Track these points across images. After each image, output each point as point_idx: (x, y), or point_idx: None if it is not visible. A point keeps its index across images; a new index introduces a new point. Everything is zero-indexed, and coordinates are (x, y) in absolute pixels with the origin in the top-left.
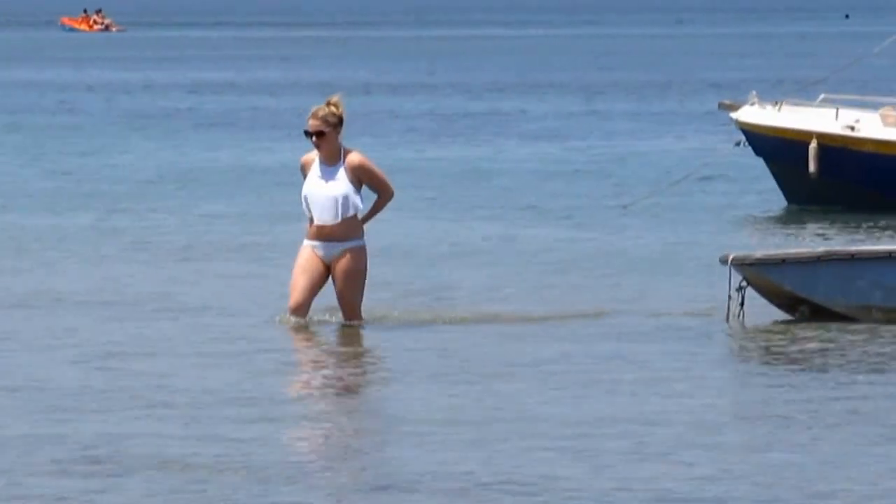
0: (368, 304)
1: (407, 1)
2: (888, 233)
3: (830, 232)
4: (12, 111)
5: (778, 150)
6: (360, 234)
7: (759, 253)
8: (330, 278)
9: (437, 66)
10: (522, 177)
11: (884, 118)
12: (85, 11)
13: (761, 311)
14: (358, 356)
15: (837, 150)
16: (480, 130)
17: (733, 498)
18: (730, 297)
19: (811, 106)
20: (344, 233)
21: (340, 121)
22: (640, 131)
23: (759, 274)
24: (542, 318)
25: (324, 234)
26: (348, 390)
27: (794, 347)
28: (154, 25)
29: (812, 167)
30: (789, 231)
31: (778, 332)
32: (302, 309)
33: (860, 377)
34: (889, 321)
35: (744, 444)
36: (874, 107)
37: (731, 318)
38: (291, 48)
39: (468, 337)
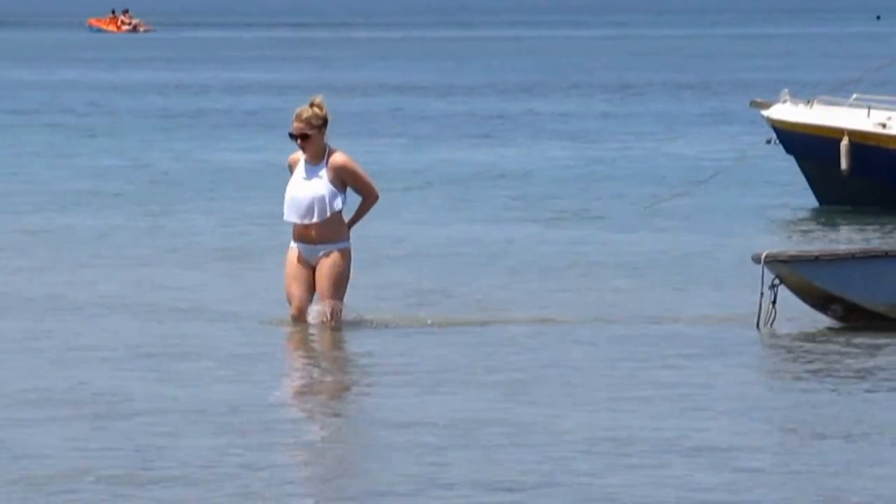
0: (390, 307)
1: (436, 2)
2: None
3: (861, 231)
4: (45, 112)
5: (809, 147)
6: (345, 236)
7: (792, 250)
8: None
9: (466, 67)
10: (552, 178)
11: None
12: (113, 12)
13: (793, 313)
14: (365, 360)
15: (869, 148)
16: (512, 131)
17: None
18: (762, 294)
19: (843, 104)
20: (327, 234)
21: (325, 122)
22: (671, 131)
23: (793, 271)
24: (568, 322)
25: (307, 236)
26: (348, 394)
27: (825, 352)
28: (181, 26)
29: (844, 164)
30: (820, 230)
31: (808, 337)
32: (303, 315)
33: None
34: None
35: (773, 454)
36: None
37: (762, 316)
38: (324, 49)
39: (487, 341)
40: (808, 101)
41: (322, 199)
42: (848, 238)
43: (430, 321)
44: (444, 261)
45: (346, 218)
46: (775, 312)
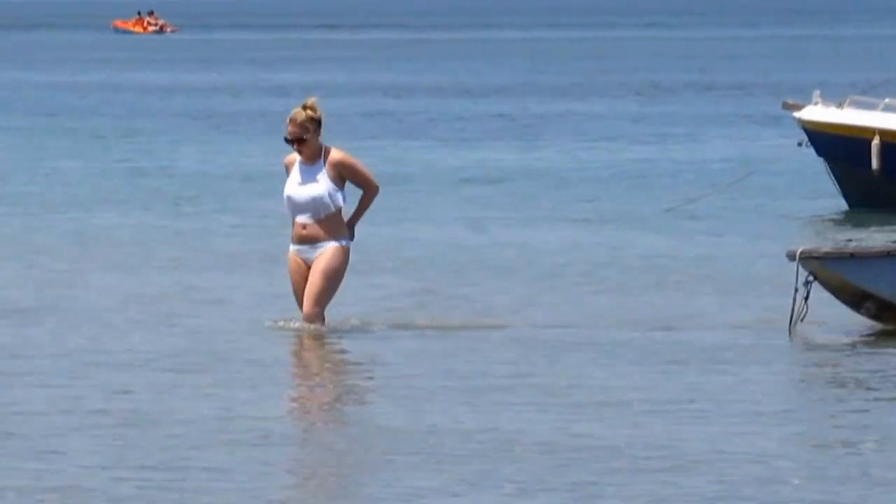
0: (409, 308)
1: (463, 4)
2: None
3: (893, 231)
4: (79, 114)
5: (839, 148)
6: (344, 234)
7: (827, 247)
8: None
9: (498, 69)
10: (584, 179)
11: None
12: (138, 13)
13: (825, 313)
14: (375, 365)
15: None
16: (545, 132)
17: None
18: (796, 290)
19: (875, 106)
20: (328, 232)
21: (319, 123)
22: (703, 133)
23: (827, 268)
24: (592, 327)
25: (306, 236)
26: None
27: (857, 354)
28: (205, 27)
29: (875, 164)
30: (850, 231)
31: (840, 339)
32: (315, 320)
33: None
34: None
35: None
36: None
37: (795, 314)
38: (353, 50)
39: (501, 346)
40: (840, 103)
41: (321, 198)
42: (880, 238)
43: (457, 323)
44: (473, 262)
45: (346, 217)
46: (807, 309)
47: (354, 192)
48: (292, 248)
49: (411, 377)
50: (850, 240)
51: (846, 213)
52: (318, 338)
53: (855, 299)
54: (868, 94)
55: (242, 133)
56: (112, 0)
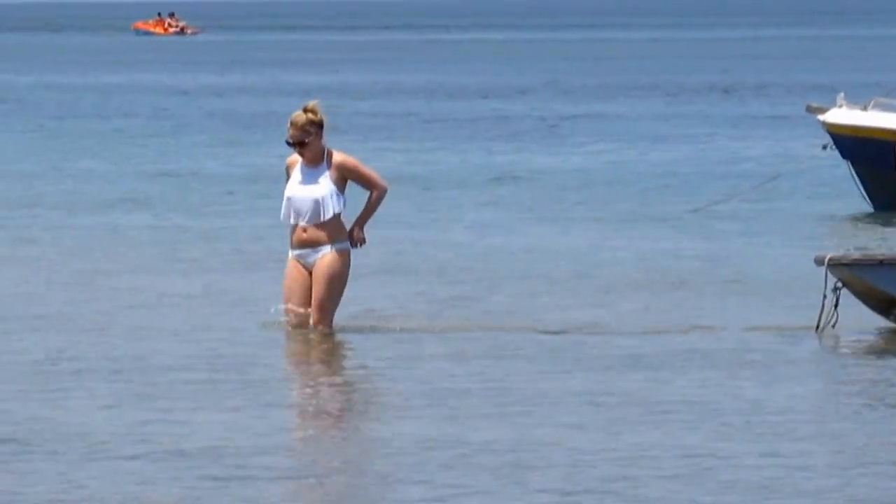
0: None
1: (487, 6)
2: None
3: None
4: (105, 116)
5: (864, 150)
6: (343, 238)
7: (855, 253)
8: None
9: (524, 69)
10: (610, 180)
11: None
12: (159, 15)
13: (854, 319)
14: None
15: None
16: (571, 133)
17: None
18: (824, 296)
19: None
20: (327, 236)
21: (321, 125)
22: (727, 135)
23: (856, 275)
24: (616, 332)
25: (307, 240)
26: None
27: (886, 364)
28: (223, 28)
29: None
30: (875, 235)
31: (870, 346)
32: (304, 323)
33: None
34: None
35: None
36: None
37: (823, 319)
38: (377, 52)
39: (512, 351)
40: (864, 105)
41: (323, 201)
42: None
43: (472, 325)
44: (499, 264)
45: (348, 222)
46: (837, 316)
47: (359, 198)
48: (292, 253)
49: (425, 382)
50: (881, 243)
51: (871, 215)
52: (326, 342)
53: (884, 305)
54: (892, 95)
55: (268, 134)
56: (126, 2)
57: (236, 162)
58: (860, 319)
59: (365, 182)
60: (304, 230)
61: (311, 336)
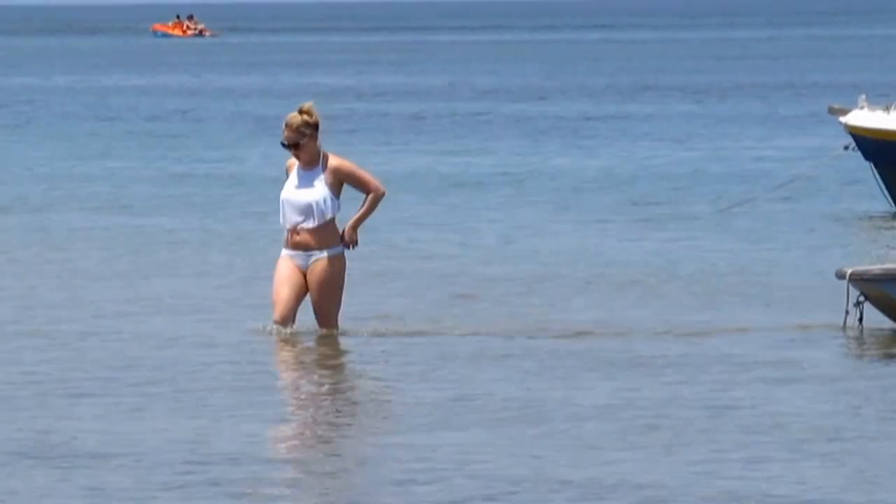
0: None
1: (512, 6)
2: None
3: None
4: (133, 118)
5: (887, 151)
6: (337, 242)
7: (877, 268)
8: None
9: (552, 70)
10: (635, 180)
11: None
12: (178, 17)
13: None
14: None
15: None
16: (599, 133)
17: None
18: (847, 312)
19: None
20: (320, 240)
21: (316, 127)
22: (753, 135)
23: (879, 289)
24: (631, 333)
25: (301, 243)
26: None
27: None
28: (240, 31)
29: None
30: None
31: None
32: (288, 320)
33: None
34: None
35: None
36: None
37: (847, 331)
38: (404, 53)
39: (519, 354)
40: (886, 107)
41: (317, 204)
42: None
43: (456, 330)
44: (519, 265)
45: (341, 225)
46: (862, 329)
47: (355, 202)
48: (285, 251)
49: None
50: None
51: (894, 216)
52: (332, 343)
53: None
54: None
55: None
56: (140, 4)
57: (268, 162)
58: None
59: (361, 186)
60: (298, 233)
61: (328, 339)
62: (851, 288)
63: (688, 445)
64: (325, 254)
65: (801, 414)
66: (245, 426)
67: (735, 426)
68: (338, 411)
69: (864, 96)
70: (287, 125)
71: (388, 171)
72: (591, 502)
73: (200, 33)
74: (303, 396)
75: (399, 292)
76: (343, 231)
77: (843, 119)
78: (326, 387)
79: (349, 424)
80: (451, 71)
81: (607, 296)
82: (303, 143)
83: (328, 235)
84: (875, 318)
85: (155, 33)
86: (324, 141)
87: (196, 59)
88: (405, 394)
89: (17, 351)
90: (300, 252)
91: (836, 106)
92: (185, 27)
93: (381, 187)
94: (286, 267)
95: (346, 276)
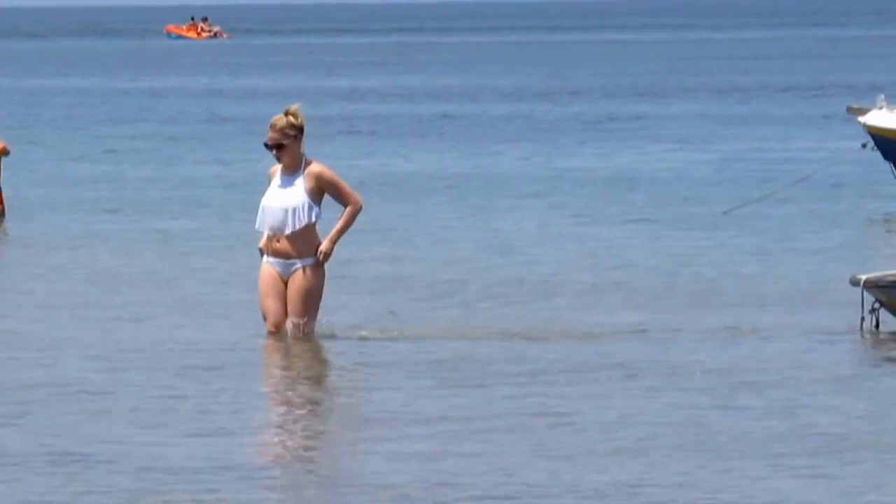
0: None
1: (531, 6)
2: None
3: None
4: (158, 120)
5: None
6: (316, 252)
7: (891, 274)
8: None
9: (574, 71)
10: (659, 180)
11: None
12: (192, 19)
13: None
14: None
15: None
16: (621, 135)
17: None
18: (862, 318)
19: None
20: (300, 249)
21: (300, 130)
22: (775, 135)
23: (892, 296)
24: (644, 333)
25: (279, 250)
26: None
27: None
28: (258, 32)
29: None
30: None
31: None
32: (282, 327)
33: None
34: None
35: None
36: None
37: (864, 338)
38: (425, 54)
39: (523, 356)
40: None
41: (296, 210)
42: None
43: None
44: (535, 266)
45: (322, 234)
46: (879, 335)
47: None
48: (266, 258)
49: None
50: None
51: None
52: (315, 350)
53: None
54: None
55: (322, 137)
56: (145, 6)
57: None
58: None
59: (341, 197)
60: (278, 240)
61: (302, 348)
62: (866, 294)
63: (706, 451)
64: (304, 263)
65: (819, 422)
66: (225, 436)
67: (752, 432)
68: (339, 417)
69: (882, 96)
70: (272, 126)
71: (410, 171)
72: None
73: (215, 36)
74: (298, 403)
75: (411, 296)
76: (320, 244)
77: (861, 119)
78: (327, 393)
79: (348, 432)
80: (478, 72)
81: (622, 299)
82: (286, 144)
83: (307, 243)
84: (892, 322)
85: (169, 35)
86: (348, 142)
87: (212, 61)
88: (415, 403)
89: (52, 356)
90: (280, 260)
91: (855, 105)
92: (199, 29)
93: (360, 200)
94: (268, 277)
95: (323, 287)
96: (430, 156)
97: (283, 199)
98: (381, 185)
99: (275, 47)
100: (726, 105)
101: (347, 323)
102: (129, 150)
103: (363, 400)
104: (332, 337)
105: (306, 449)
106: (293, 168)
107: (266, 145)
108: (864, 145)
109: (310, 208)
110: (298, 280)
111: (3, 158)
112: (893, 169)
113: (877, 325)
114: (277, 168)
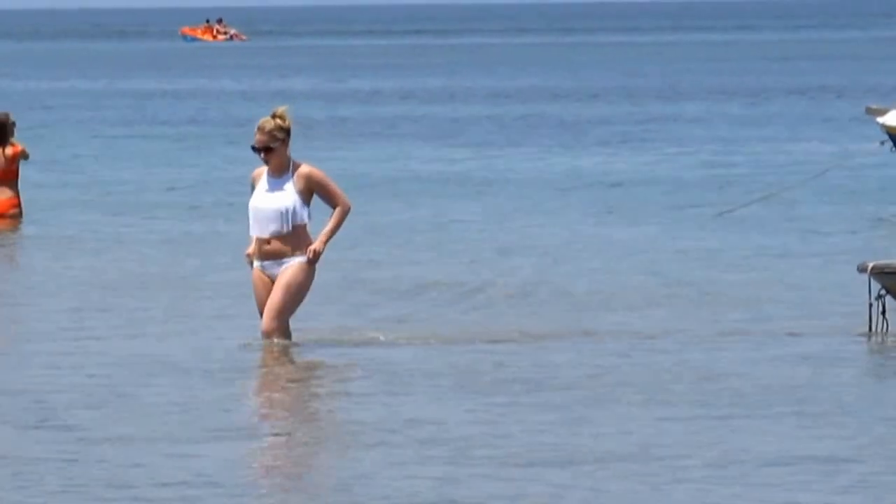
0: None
1: (548, 9)
2: None
3: None
4: (179, 121)
5: None
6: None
7: None
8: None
9: (596, 73)
10: (679, 181)
11: None
12: (207, 21)
13: None
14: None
15: None
16: (643, 136)
17: None
18: (870, 305)
19: None
20: (290, 248)
21: (288, 133)
22: (793, 135)
23: None
24: (651, 335)
25: (270, 252)
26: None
27: None
28: (275, 34)
29: None
30: None
31: None
32: (284, 334)
33: None
34: None
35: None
36: None
37: (873, 328)
38: (444, 56)
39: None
40: None
41: (287, 211)
42: None
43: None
44: (545, 267)
45: (313, 234)
46: (887, 323)
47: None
48: (256, 264)
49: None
50: None
51: None
52: (284, 352)
53: None
54: None
55: (346, 138)
56: (160, 7)
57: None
58: None
59: (330, 198)
60: (269, 242)
61: (265, 349)
62: (873, 281)
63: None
64: (297, 259)
65: (829, 411)
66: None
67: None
68: (344, 423)
69: None
70: (259, 129)
71: (433, 171)
72: None
73: (231, 38)
74: (297, 410)
75: (428, 298)
76: (310, 243)
77: (880, 119)
78: (329, 394)
79: (347, 438)
80: (500, 74)
81: (625, 300)
82: (274, 147)
83: (299, 242)
84: None
85: (184, 37)
86: (367, 144)
87: (231, 62)
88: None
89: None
90: (272, 261)
91: (874, 106)
92: (214, 31)
93: (349, 202)
94: (261, 285)
95: (310, 287)
96: (451, 156)
97: (276, 201)
98: (402, 186)
99: (291, 49)
100: (746, 107)
101: (358, 325)
102: (146, 153)
103: (363, 407)
104: (342, 343)
105: (303, 461)
106: (281, 170)
107: (254, 148)
108: (882, 142)
109: (302, 208)
110: (287, 273)
111: (22, 161)
112: None
113: (883, 312)
114: (262, 171)
